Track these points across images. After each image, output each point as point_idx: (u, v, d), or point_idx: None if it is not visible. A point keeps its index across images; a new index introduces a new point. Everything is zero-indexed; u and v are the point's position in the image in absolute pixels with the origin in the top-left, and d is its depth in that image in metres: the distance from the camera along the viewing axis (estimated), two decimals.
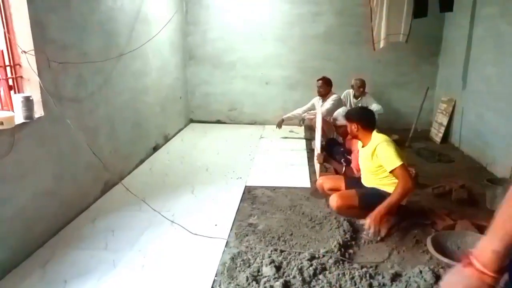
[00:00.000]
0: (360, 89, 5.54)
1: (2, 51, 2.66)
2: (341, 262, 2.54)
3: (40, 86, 2.77)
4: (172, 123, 5.96)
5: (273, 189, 3.85)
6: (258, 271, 2.43)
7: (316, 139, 4.27)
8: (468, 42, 5.08)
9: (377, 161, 2.90)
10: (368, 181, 3.10)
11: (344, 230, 2.93)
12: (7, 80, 2.70)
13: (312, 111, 5.48)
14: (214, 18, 6.43)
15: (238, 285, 2.28)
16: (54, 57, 2.91)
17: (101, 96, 3.67)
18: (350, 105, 5.65)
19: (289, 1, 6.27)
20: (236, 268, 2.49)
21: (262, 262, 2.52)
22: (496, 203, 3.30)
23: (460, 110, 5.30)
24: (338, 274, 2.39)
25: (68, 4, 3.10)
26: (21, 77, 2.77)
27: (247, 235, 2.93)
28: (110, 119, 3.87)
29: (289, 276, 2.38)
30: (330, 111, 4.85)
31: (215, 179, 4.14)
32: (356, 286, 2.30)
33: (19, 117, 2.62)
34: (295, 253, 2.65)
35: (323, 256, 2.58)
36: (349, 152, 3.88)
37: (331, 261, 2.53)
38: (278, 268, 2.45)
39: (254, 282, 2.29)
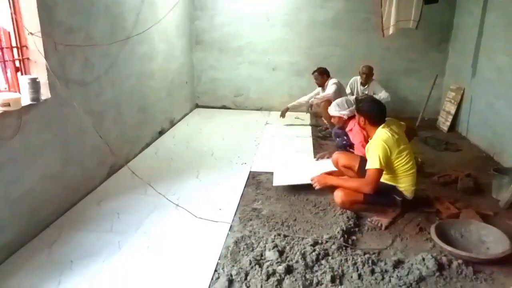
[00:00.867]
0: (368, 76, 5.48)
1: (9, 32, 2.66)
2: (344, 248, 2.55)
3: (47, 68, 2.77)
4: (178, 107, 5.96)
5: None
6: (261, 255, 2.45)
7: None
8: (479, 29, 4.98)
9: None
10: None
11: (347, 217, 2.93)
12: (14, 61, 2.71)
13: (318, 96, 5.42)
14: (222, 3, 6.35)
15: (241, 269, 2.31)
16: (61, 39, 2.91)
17: (107, 80, 3.68)
18: (357, 92, 5.59)
19: None
20: (239, 251, 2.52)
21: (265, 246, 2.54)
22: (502, 193, 3.28)
23: (468, 98, 5.23)
24: (341, 260, 2.41)
25: None
26: (28, 59, 2.78)
27: (251, 220, 2.95)
28: (116, 102, 3.88)
29: (292, 260, 2.40)
30: (334, 94, 4.93)
31: (220, 164, 4.16)
32: (358, 272, 2.32)
33: (25, 99, 2.63)
34: (298, 238, 2.66)
35: (326, 241, 2.60)
36: (352, 145, 3.84)
37: (334, 247, 2.54)
38: (281, 252, 2.47)
39: (257, 266, 2.32)
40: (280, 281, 2.21)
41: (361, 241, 2.72)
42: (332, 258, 2.44)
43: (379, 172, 2.77)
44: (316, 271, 2.32)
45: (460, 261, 2.37)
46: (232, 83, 6.76)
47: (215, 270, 2.34)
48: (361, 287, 2.22)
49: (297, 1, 6.22)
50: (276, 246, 2.52)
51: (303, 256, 2.42)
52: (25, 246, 2.57)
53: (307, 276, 2.26)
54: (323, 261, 2.41)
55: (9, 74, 2.71)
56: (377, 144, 2.77)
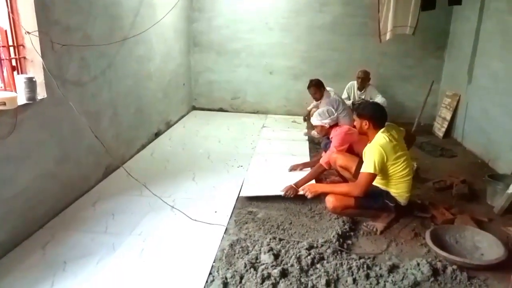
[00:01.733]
0: (365, 80, 5.49)
1: (6, 31, 2.64)
2: (339, 252, 2.55)
3: (44, 68, 2.76)
4: (175, 109, 5.95)
5: None
6: (257, 259, 2.45)
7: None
8: (475, 36, 5.02)
9: None
10: None
11: (343, 221, 2.94)
12: (10, 60, 2.69)
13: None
14: (220, 5, 6.36)
15: (236, 272, 2.30)
16: (58, 39, 2.90)
17: (104, 80, 3.66)
18: (354, 97, 5.61)
19: None
20: (234, 254, 2.51)
21: (260, 249, 2.53)
22: (497, 199, 3.30)
23: (464, 105, 5.27)
24: (336, 264, 2.41)
25: None
26: (25, 58, 2.76)
27: (246, 223, 2.94)
28: (113, 103, 3.86)
29: (287, 264, 2.39)
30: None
31: (216, 167, 4.15)
32: (353, 276, 2.32)
33: (21, 98, 2.61)
34: (294, 242, 2.66)
35: (322, 245, 2.59)
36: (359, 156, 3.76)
37: (329, 251, 2.54)
38: (276, 256, 2.47)
39: (252, 269, 2.31)
40: (275, 285, 2.20)
41: (356, 245, 2.72)
42: (327, 262, 2.44)
43: (372, 176, 2.77)
44: (311, 275, 2.32)
45: (454, 266, 2.38)
46: (229, 86, 6.76)
47: (210, 273, 2.33)
48: None
49: (296, 5, 6.24)
50: (271, 249, 2.52)
51: (298, 259, 2.41)
52: (19, 246, 2.54)
53: (302, 280, 2.26)
54: (318, 265, 2.40)
55: (5, 73, 2.69)
56: (374, 149, 2.77)
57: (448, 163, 4.53)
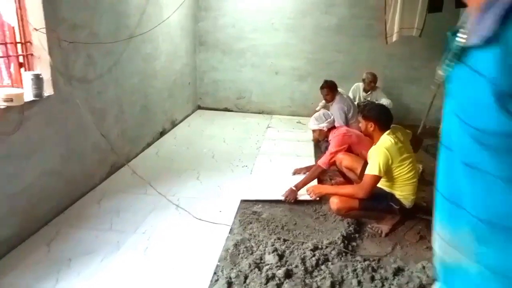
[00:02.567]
0: (371, 83, 5.47)
1: (13, 27, 2.65)
2: (344, 254, 2.54)
3: (50, 65, 2.77)
4: (180, 108, 5.96)
5: None
6: (261, 259, 2.44)
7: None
8: None
9: None
10: None
11: (348, 223, 2.92)
12: (17, 57, 2.70)
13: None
14: (226, 4, 6.36)
15: (241, 271, 2.29)
16: (65, 36, 2.91)
17: (110, 78, 3.67)
18: (360, 98, 5.58)
19: None
20: (239, 254, 2.51)
21: (265, 250, 2.52)
22: None
23: None
24: (340, 266, 2.40)
25: None
26: (32, 54, 2.77)
27: (251, 223, 2.94)
28: (118, 101, 3.87)
29: (291, 265, 2.38)
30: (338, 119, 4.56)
31: (221, 166, 4.14)
32: (358, 278, 2.31)
33: (28, 95, 2.62)
34: (298, 242, 2.65)
35: (326, 247, 2.58)
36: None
37: (334, 252, 2.53)
38: (280, 256, 2.46)
39: (256, 269, 2.30)
40: (279, 285, 2.20)
41: (361, 247, 2.71)
42: (332, 264, 2.43)
43: (376, 178, 2.76)
44: (316, 276, 2.31)
45: None
46: (234, 86, 6.76)
47: (214, 273, 2.32)
48: None
49: (302, 6, 6.23)
50: (276, 250, 2.51)
51: (303, 260, 2.41)
52: (24, 243, 2.55)
53: (307, 281, 2.25)
54: (322, 267, 2.39)
55: (12, 70, 2.70)
56: (379, 151, 2.76)
57: None
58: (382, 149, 2.75)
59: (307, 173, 3.71)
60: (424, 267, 2.36)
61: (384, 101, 5.27)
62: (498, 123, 0.63)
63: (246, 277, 2.25)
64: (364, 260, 2.47)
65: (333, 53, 6.31)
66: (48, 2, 2.70)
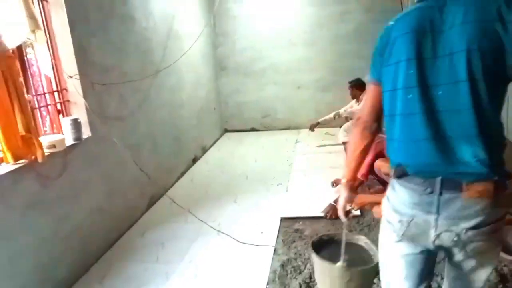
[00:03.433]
0: None
1: (50, 78, 2.81)
2: None
3: (86, 108, 2.89)
4: (208, 134, 6.06)
5: None
6: (310, 278, 2.40)
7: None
8: None
9: None
10: None
11: None
12: (55, 104, 2.84)
13: (351, 109, 5.27)
14: (242, 27, 6.50)
15: None
16: (97, 79, 3.04)
17: (141, 113, 3.79)
18: None
19: (315, 3, 6.25)
20: (287, 275, 2.48)
21: (313, 268, 2.48)
22: None
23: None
24: None
25: (106, 27, 3.23)
26: (68, 101, 2.91)
27: (294, 241, 2.91)
28: (151, 134, 3.98)
29: None
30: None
31: (256, 187, 4.15)
32: None
33: (69, 139, 2.74)
34: None
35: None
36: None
37: None
38: None
39: None
40: None
41: None
42: None
43: None
44: None
45: None
46: (259, 105, 6.82)
47: None
48: None
49: (317, 18, 6.28)
50: None
51: None
52: (78, 281, 2.62)
53: None
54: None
55: (51, 117, 2.84)
56: None
57: None
58: None
59: None
60: None
61: None
62: None
63: None
64: None
65: (354, 60, 6.27)
66: (80, 49, 2.85)
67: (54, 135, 2.75)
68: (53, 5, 2.70)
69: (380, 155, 3.41)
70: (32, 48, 2.56)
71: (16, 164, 2.25)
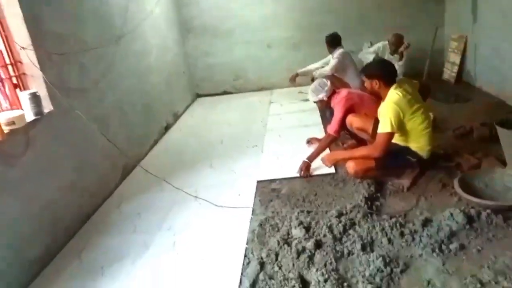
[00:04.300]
0: (397, 45, 5.11)
1: (1, 51, 2.61)
2: (369, 215, 2.54)
3: (45, 81, 2.73)
4: (179, 99, 5.92)
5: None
6: (288, 234, 2.45)
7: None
8: None
9: None
10: None
11: (368, 184, 2.91)
12: (10, 78, 2.67)
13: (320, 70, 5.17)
14: None
15: (271, 250, 2.31)
16: (53, 49, 2.86)
17: (106, 83, 3.63)
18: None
19: None
20: (265, 234, 2.52)
21: (290, 224, 2.53)
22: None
23: (472, 46, 5.11)
24: (368, 227, 2.40)
25: None
26: (24, 73, 2.74)
27: (271, 201, 2.94)
28: (119, 104, 3.84)
29: (319, 235, 2.39)
30: (331, 70, 4.70)
31: (231, 150, 4.13)
32: (388, 236, 2.31)
33: (29, 115, 2.61)
34: (322, 212, 2.65)
35: (351, 211, 2.58)
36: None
37: (359, 215, 2.53)
38: (307, 228, 2.46)
39: (285, 245, 2.31)
40: (311, 257, 2.20)
41: (385, 205, 2.71)
42: (359, 227, 2.43)
43: (390, 135, 2.73)
44: (345, 241, 2.31)
45: (488, 211, 2.34)
46: (229, 67, 6.67)
47: (245, 255, 2.34)
48: (392, 251, 2.21)
49: None
50: (301, 223, 2.51)
51: (330, 229, 2.41)
52: (55, 258, 2.59)
53: (337, 248, 2.26)
54: (350, 231, 2.40)
55: (8, 92, 2.68)
56: (388, 107, 2.71)
57: (464, 108, 4.44)
58: (391, 105, 2.70)
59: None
60: (452, 214, 2.33)
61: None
62: None
63: (277, 255, 2.27)
64: (391, 218, 2.47)
65: (323, 15, 6.16)
66: (31, 18, 2.64)
67: (13, 111, 2.61)
68: None
69: (350, 110, 3.42)
70: None
71: None
